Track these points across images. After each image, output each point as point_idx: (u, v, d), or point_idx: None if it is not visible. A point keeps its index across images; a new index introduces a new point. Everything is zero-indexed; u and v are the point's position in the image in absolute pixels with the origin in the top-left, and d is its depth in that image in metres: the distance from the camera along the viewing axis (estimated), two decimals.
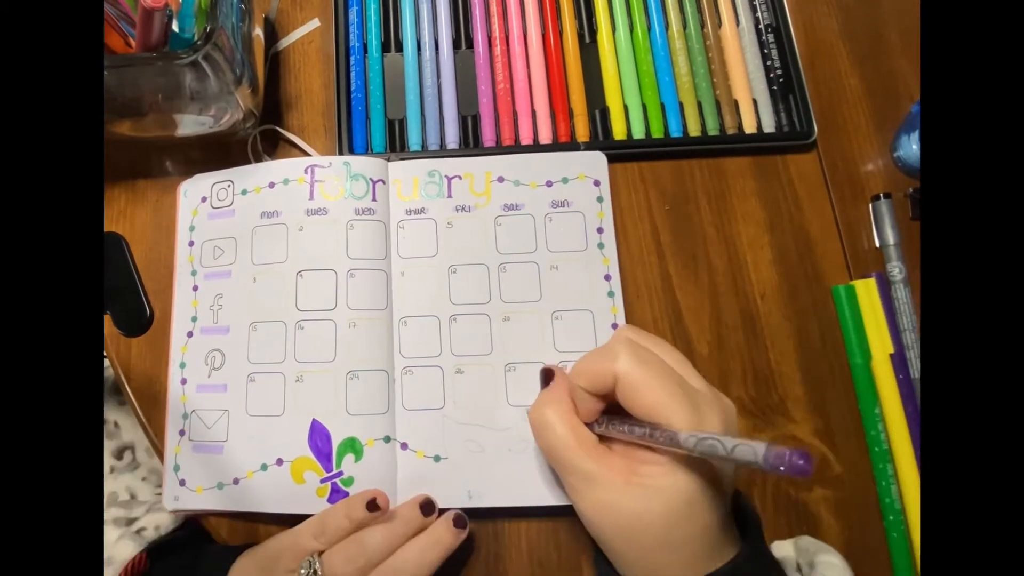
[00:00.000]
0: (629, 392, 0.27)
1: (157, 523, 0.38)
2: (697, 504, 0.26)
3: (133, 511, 0.38)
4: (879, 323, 0.39)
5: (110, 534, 0.36)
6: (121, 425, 0.46)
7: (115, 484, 0.45)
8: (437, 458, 0.35)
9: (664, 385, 0.26)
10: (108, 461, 0.46)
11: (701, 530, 0.26)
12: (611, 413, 0.29)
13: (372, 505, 0.32)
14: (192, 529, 0.38)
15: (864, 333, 0.39)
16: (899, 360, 0.38)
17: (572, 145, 0.42)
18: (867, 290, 0.39)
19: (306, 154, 0.42)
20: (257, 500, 0.35)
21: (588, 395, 0.28)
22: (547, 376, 0.32)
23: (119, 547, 0.36)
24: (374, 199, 0.38)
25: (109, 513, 0.38)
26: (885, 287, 0.39)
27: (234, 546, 0.35)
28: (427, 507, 0.33)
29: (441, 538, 0.32)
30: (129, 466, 0.46)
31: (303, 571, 0.31)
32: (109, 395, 0.46)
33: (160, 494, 0.37)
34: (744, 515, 0.29)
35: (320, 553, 0.31)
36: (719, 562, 0.26)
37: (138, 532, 0.37)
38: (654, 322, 0.39)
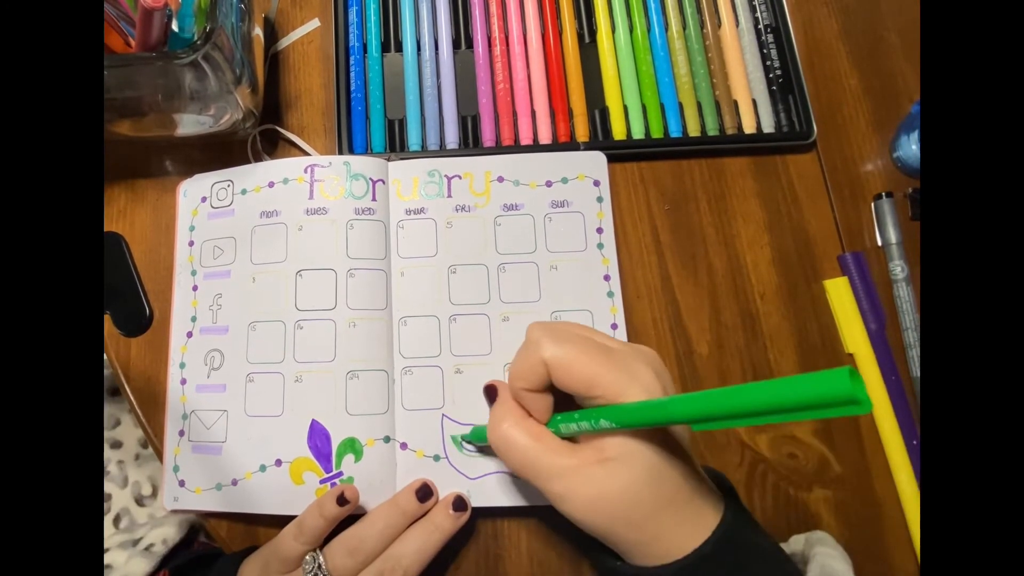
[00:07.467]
0: (562, 374, 0.27)
1: (164, 537, 0.37)
2: (671, 457, 0.26)
3: (135, 532, 0.38)
4: (853, 319, 0.39)
5: (118, 557, 0.36)
6: None
7: (139, 473, 0.45)
8: (437, 458, 0.35)
9: (590, 355, 0.26)
10: (135, 449, 0.47)
11: (677, 487, 0.26)
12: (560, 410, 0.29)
13: (341, 500, 0.32)
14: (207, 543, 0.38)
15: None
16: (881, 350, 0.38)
17: (572, 145, 0.42)
18: (837, 289, 0.39)
19: (306, 154, 0.42)
20: (256, 501, 0.35)
21: (533, 394, 0.28)
22: (492, 393, 0.31)
23: (131, 565, 0.35)
24: (374, 199, 0.38)
25: (112, 540, 0.38)
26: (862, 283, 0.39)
27: (242, 551, 0.35)
28: (423, 493, 0.33)
29: (440, 523, 0.32)
30: (155, 455, 0.46)
31: (307, 567, 0.31)
32: None
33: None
34: (719, 483, 0.29)
35: (322, 548, 0.32)
36: (711, 519, 0.26)
37: (147, 549, 0.36)
38: (654, 322, 0.39)
